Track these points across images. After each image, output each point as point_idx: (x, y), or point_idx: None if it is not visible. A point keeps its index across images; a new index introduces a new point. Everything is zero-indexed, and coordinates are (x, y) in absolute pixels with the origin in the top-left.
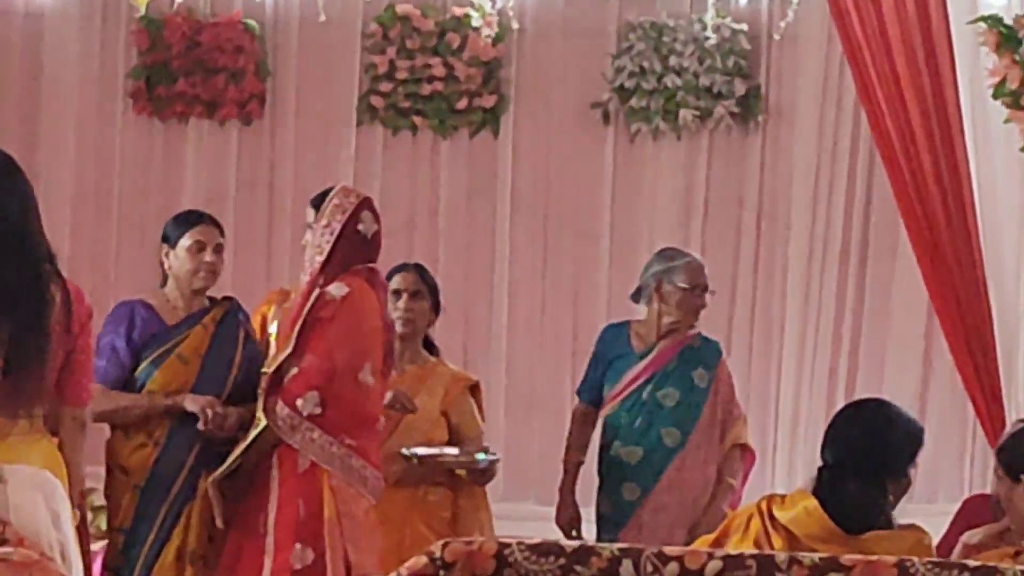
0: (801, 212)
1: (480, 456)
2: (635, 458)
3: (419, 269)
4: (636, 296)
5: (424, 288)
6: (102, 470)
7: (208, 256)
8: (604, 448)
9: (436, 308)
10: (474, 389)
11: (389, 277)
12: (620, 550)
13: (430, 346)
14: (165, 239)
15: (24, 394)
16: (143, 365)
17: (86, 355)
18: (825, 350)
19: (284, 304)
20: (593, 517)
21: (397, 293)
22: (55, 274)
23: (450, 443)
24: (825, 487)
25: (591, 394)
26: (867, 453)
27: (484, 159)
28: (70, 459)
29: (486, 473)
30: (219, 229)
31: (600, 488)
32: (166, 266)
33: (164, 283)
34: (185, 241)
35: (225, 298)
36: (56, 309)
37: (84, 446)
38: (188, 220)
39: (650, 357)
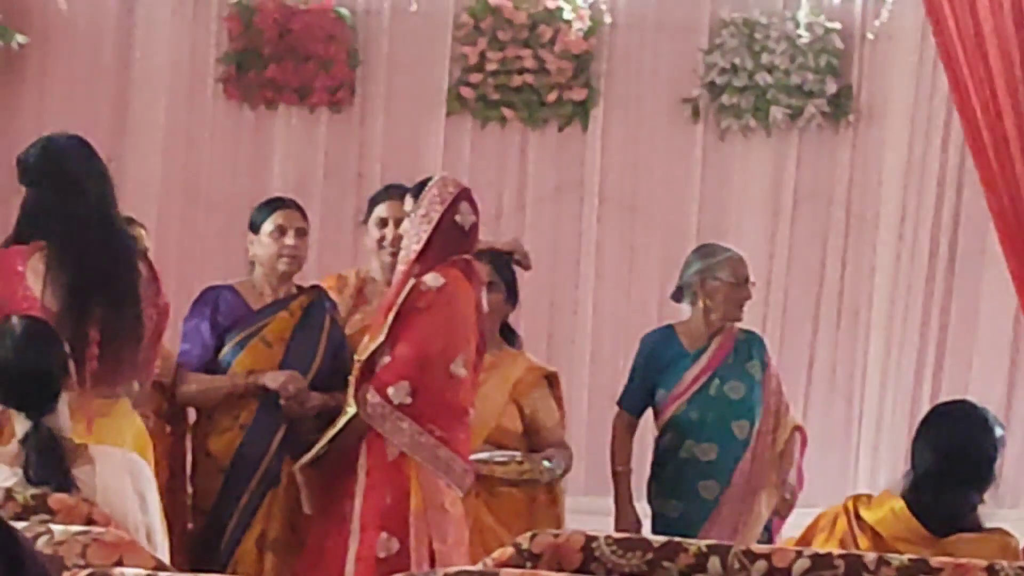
0: (890, 212)
1: (525, 466)
2: (711, 455)
3: (493, 259)
4: (677, 296)
5: (498, 279)
6: None
7: (289, 239)
8: (672, 450)
9: (512, 299)
10: (551, 380)
11: None
12: (708, 547)
13: (511, 335)
14: (251, 226)
15: (121, 370)
16: (228, 347)
17: (160, 338)
18: (911, 350)
19: (344, 290)
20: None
21: None
22: (140, 251)
23: (525, 433)
24: (920, 493)
25: (635, 404)
26: (966, 460)
27: (573, 152)
28: None
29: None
30: (301, 213)
31: (668, 491)
32: (251, 253)
33: (253, 270)
34: (267, 226)
35: (313, 286)
36: (144, 285)
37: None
38: (270, 205)
39: (709, 353)
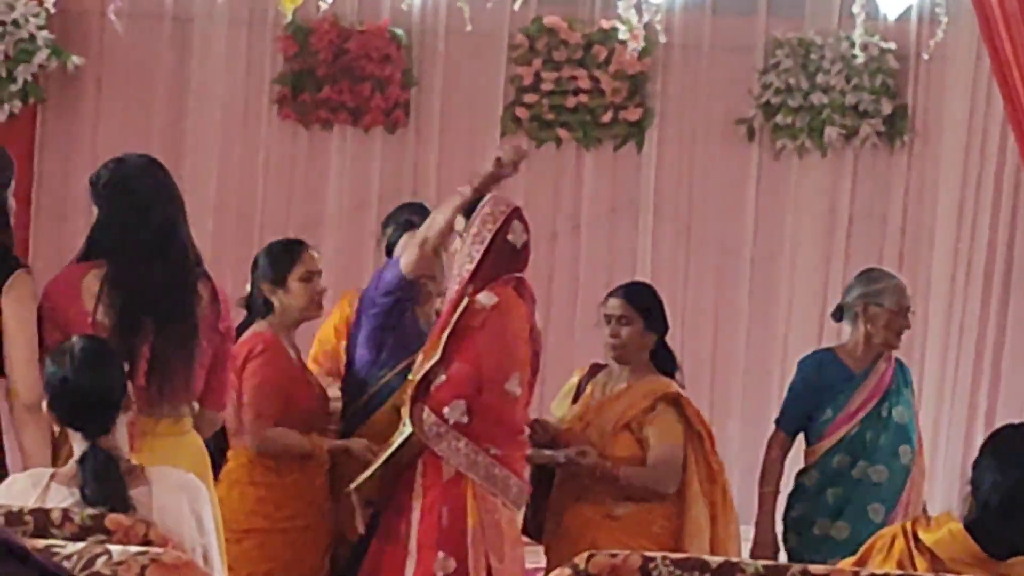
0: (945, 232)
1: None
2: (883, 477)
3: (627, 294)
4: (838, 315)
5: (630, 311)
6: None
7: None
8: (843, 470)
9: (654, 325)
10: (670, 400)
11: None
12: (765, 567)
13: (666, 361)
14: None
15: (168, 392)
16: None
17: (228, 359)
18: (967, 369)
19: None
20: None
21: (607, 318)
22: (203, 274)
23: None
24: (983, 516)
25: (795, 425)
26: None
27: (628, 172)
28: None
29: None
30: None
31: (835, 512)
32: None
33: None
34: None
35: None
36: (204, 307)
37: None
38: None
39: (876, 376)
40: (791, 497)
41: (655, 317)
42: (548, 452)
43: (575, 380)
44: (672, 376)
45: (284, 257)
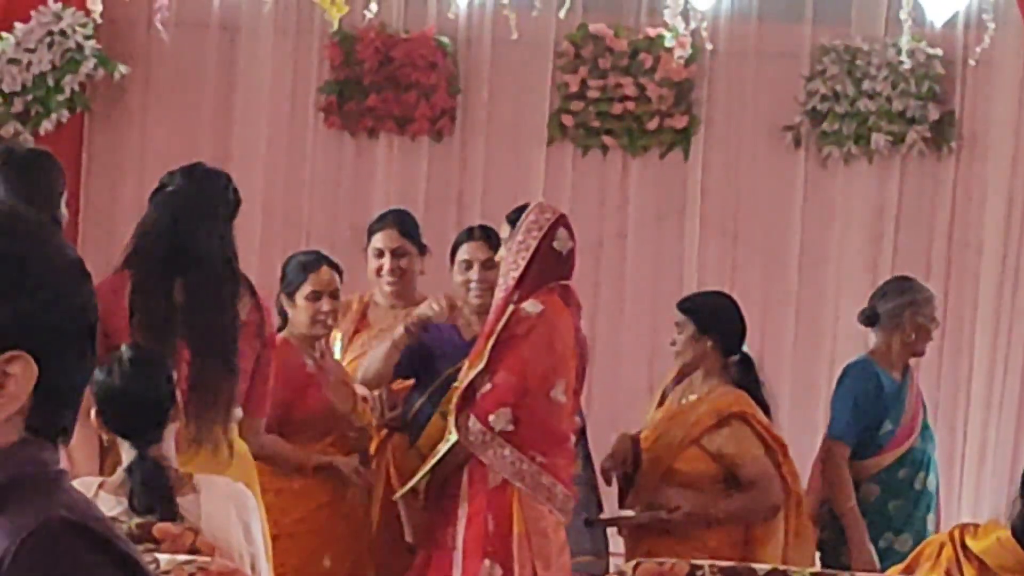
0: (993, 239)
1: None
2: (933, 486)
3: (682, 300)
4: (871, 322)
5: (682, 318)
6: None
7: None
8: (907, 482)
9: (708, 332)
10: (737, 417)
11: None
12: (812, 574)
13: (743, 373)
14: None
15: (212, 406)
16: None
17: (270, 367)
18: (1015, 377)
19: (347, 314)
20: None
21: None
22: (244, 284)
23: (723, 476)
24: None
25: (855, 436)
26: None
27: (674, 180)
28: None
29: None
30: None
31: (899, 525)
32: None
33: None
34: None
35: None
36: (246, 316)
37: (267, 455)
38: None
39: (914, 385)
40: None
41: (709, 322)
42: (627, 514)
43: (664, 386)
44: (754, 387)
45: (298, 272)
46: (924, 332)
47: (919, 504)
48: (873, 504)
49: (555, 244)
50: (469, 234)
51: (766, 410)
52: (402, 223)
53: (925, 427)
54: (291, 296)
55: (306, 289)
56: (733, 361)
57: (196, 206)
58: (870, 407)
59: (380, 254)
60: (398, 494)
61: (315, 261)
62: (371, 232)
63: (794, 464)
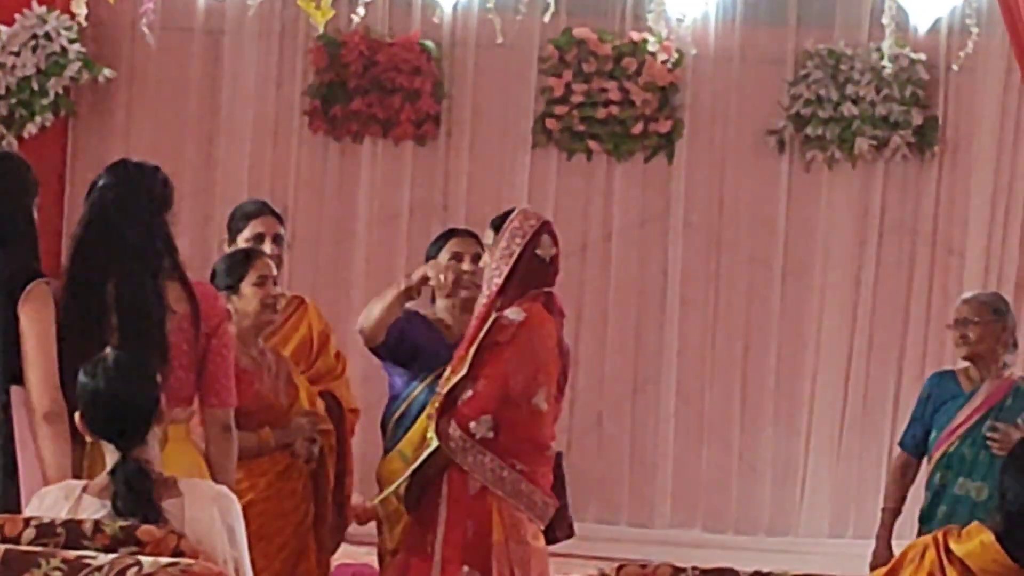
0: (976, 243)
1: None
2: (983, 495)
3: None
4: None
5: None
6: None
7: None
8: (943, 487)
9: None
10: None
11: None
12: None
13: None
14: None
15: None
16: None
17: (222, 356)
18: None
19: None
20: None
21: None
22: (164, 272)
23: None
24: (1011, 526)
25: (911, 444)
26: None
27: (658, 184)
28: (217, 462)
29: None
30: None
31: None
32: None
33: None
34: (443, 255)
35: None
36: (178, 305)
37: (232, 449)
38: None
39: (983, 393)
40: (919, 518)
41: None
42: None
43: None
44: None
45: (240, 264)
46: (953, 337)
47: (958, 510)
48: (926, 509)
49: (539, 251)
50: (454, 232)
51: None
52: (276, 212)
53: (978, 433)
54: (234, 289)
55: (252, 276)
56: None
57: (121, 201)
58: (922, 415)
59: (260, 239)
60: (378, 499)
61: (255, 252)
62: (247, 219)
63: None
